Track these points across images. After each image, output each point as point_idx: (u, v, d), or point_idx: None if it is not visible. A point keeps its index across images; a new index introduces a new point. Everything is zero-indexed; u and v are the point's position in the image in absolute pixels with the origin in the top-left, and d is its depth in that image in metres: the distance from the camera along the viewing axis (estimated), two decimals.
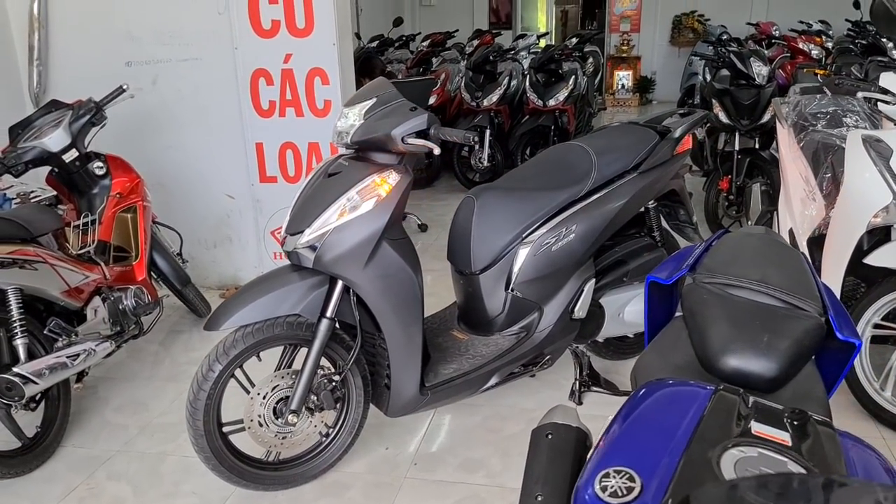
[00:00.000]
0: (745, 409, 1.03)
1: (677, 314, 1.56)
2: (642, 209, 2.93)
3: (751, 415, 1.02)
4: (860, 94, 2.73)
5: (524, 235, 2.59)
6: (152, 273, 3.45)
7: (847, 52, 6.51)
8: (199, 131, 4.04)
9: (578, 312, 2.67)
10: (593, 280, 2.70)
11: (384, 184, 2.27)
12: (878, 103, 2.70)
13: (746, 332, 1.30)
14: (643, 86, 10.73)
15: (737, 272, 1.48)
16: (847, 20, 7.96)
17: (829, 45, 7.01)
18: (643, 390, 1.11)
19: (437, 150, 2.24)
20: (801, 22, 8.21)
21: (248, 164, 3.99)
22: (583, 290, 2.67)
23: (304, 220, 2.29)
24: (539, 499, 1.58)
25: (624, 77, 10.57)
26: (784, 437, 0.97)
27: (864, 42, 5.97)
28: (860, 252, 2.69)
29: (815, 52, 6.14)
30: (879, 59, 5.39)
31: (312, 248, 2.26)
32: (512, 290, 2.60)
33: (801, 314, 1.37)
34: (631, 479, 0.91)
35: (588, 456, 1.46)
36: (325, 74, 3.78)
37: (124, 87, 3.28)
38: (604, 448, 1.01)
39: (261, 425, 2.35)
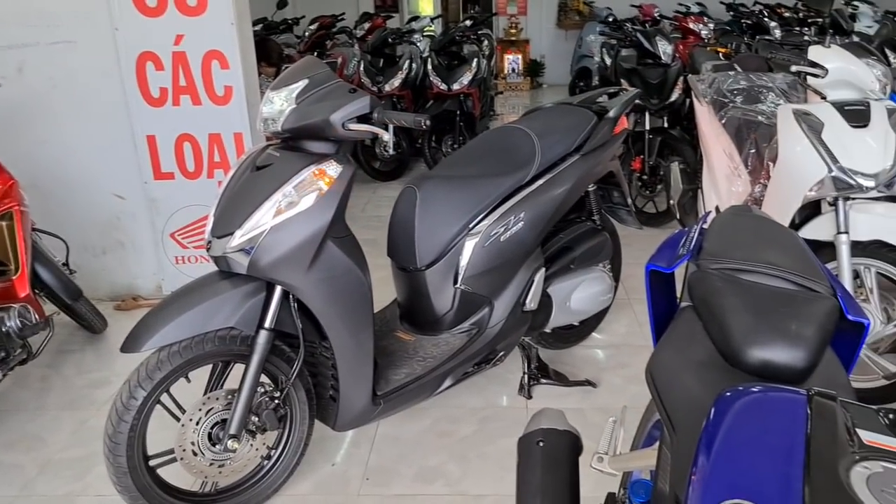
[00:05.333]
0: (844, 416, 0.91)
1: (684, 304, 1.44)
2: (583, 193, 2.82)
3: (853, 422, 0.89)
4: (794, 68, 2.74)
5: (471, 226, 2.42)
6: (36, 288, 3.02)
7: (728, 32, 6.75)
8: (79, 124, 3.59)
9: (530, 304, 2.53)
10: (543, 269, 2.57)
11: (324, 176, 2.03)
12: (808, 77, 2.72)
13: (772, 321, 1.19)
14: (533, 69, 10.76)
15: (742, 256, 1.38)
16: (721, 2, 8.29)
17: (711, 25, 7.24)
18: (720, 403, 0.97)
19: (386, 136, 2.02)
20: (681, 4, 8.46)
21: (139, 160, 3.59)
22: (533, 281, 2.53)
23: (233, 221, 2.02)
24: None
25: (514, 61, 10.56)
26: None
27: (748, 22, 6.19)
28: (792, 227, 2.70)
29: (704, 32, 6.32)
30: (766, 37, 5.61)
31: (245, 251, 1.99)
32: (460, 286, 2.43)
33: (818, 297, 1.28)
34: None
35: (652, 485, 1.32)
36: (223, 58, 3.44)
37: None
38: (705, 479, 0.86)
39: (195, 454, 2.07)
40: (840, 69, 2.67)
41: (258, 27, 6.86)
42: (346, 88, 2.07)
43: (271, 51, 5.07)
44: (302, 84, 2.07)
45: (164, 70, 3.46)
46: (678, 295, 1.55)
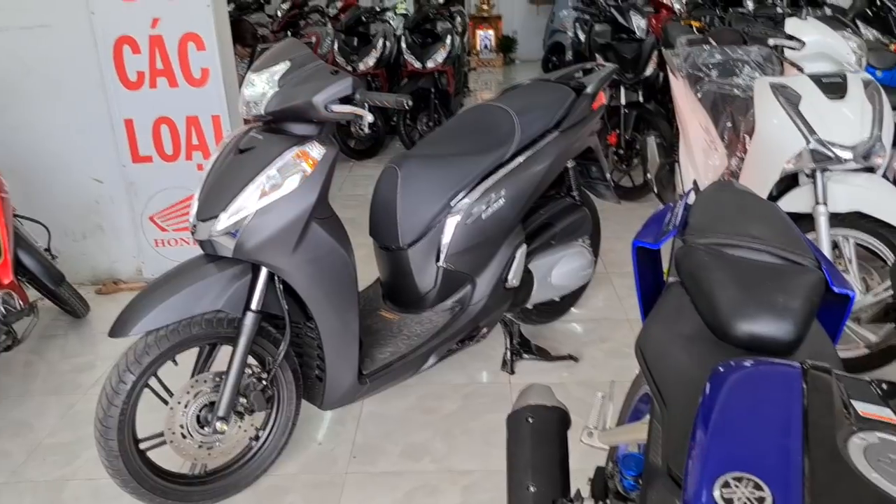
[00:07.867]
0: (839, 389, 0.94)
1: (672, 279, 1.47)
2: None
3: (847, 394, 0.92)
4: (771, 42, 2.76)
5: (453, 205, 2.44)
6: (19, 274, 3.00)
7: (700, 6, 6.77)
8: (55, 108, 3.55)
9: (512, 280, 2.57)
10: (524, 246, 2.60)
11: (307, 158, 2.04)
12: (784, 50, 2.75)
13: (759, 295, 1.22)
14: (506, 45, 10.72)
15: (728, 230, 1.40)
16: None
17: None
18: (715, 377, 0.99)
19: (369, 118, 2.03)
20: None
21: (118, 144, 3.55)
22: (515, 257, 2.56)
23: (218, 204, 2.02)
24: (531, 489, 1.46)
25: (486, 37, 10.51)
26: (891, 416, 0.88)
27: None
28: (770, 200, 2.74)
29: (676, 6, 6.32)
30: (739, 10, 5.64)
31: (231, 234, 2.00)
32: (443, 264, 2.45)
33: (804, 270, 1.30)
34: (757, 486, 0.78)
35: (645, 461, 1.34)
36: (200, 40, 3.41)
37: None
38: (704, 453, 0.88)
39: (184, 437, 2.09)
40: (817, 42, 2.70)
41: (230, 7, 6.77)
42: (327, 70, 2.07)
43: (245, 31, 5.01)
44: (284, 66, 2.07)
45: (140, 53, 3.43)
46: (664, 270, 1.58)
